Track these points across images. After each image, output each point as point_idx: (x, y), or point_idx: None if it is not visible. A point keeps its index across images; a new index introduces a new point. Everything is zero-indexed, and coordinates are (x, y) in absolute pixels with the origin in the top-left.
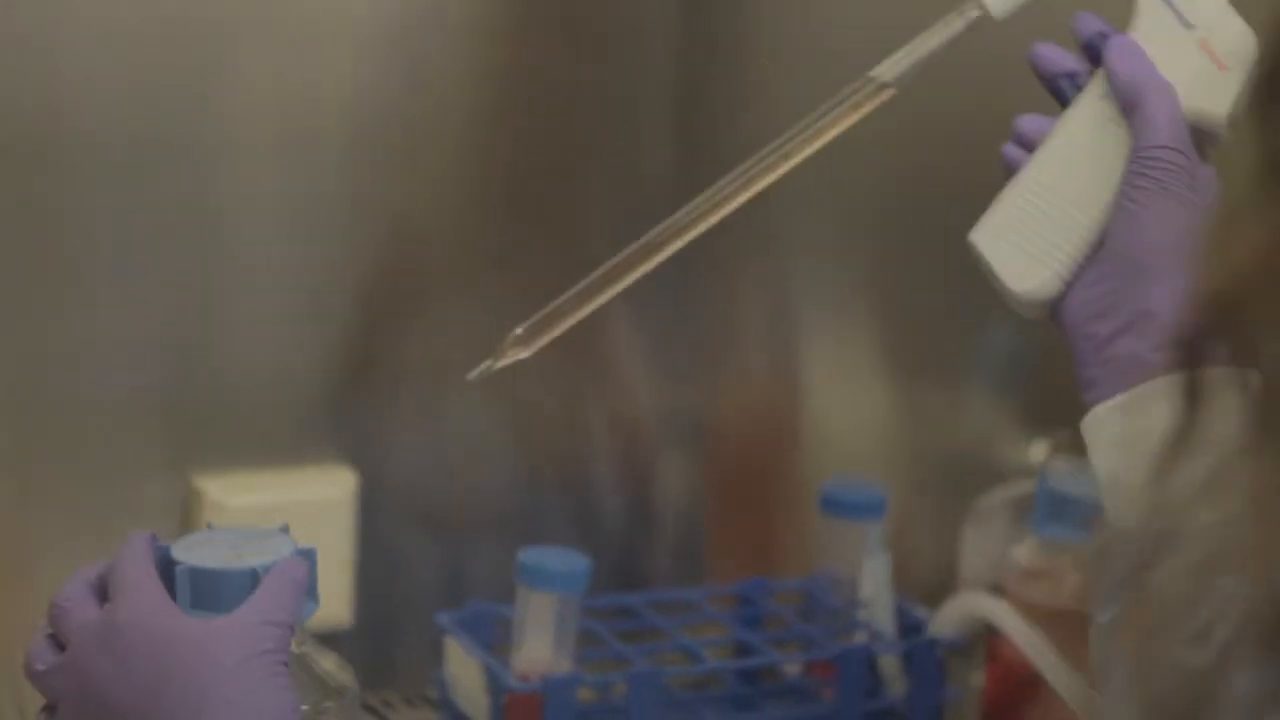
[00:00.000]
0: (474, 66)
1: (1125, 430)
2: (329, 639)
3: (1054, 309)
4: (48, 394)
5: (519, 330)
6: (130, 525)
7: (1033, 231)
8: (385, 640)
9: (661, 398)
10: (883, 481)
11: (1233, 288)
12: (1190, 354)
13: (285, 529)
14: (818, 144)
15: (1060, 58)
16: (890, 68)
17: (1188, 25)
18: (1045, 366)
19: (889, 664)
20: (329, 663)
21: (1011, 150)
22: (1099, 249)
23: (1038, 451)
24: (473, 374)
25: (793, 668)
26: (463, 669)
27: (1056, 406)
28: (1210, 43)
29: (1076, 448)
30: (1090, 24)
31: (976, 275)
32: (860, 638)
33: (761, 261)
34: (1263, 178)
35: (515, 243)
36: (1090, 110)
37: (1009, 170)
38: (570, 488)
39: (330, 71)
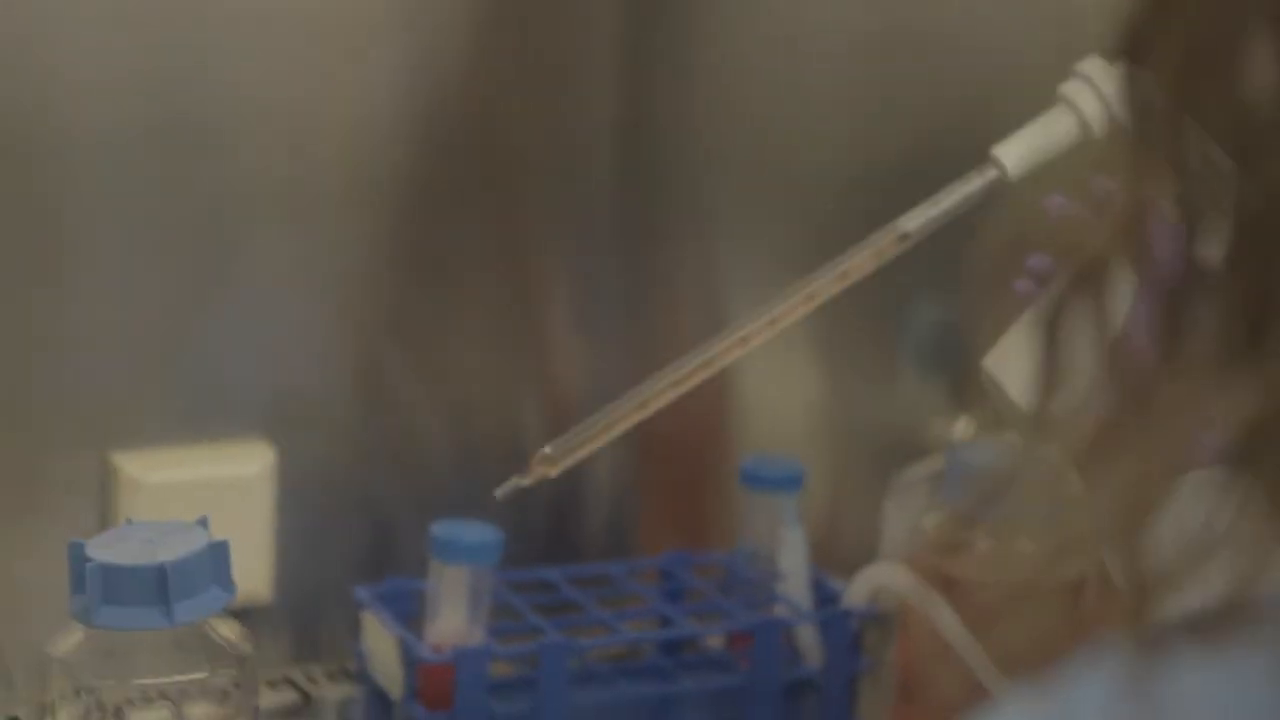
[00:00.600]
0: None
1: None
2: (248, 615)
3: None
4: None
5: (547, 449)
6: (48, 502)
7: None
8: (307, 616)
9: (592, 374)
10: (810, 457)
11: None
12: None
13: (204, 522)
14: (841, 285)
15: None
16: (911, 220)
17: None
18: (973, 345)
19: (805, 635)
20: (229, 631)
21: (1022, 285)
22: None
23: (963, 428)
24: (500, 491)
25: (715, 641)
26: (379, 642)
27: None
28: None
29: (999, 424)
30: (1042, 261)
31: (905, 256)
32: (779, 610)
33: (692, 241)
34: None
35: (440, 237)
36: None
37: (1020, 304)
38: (499, 464)
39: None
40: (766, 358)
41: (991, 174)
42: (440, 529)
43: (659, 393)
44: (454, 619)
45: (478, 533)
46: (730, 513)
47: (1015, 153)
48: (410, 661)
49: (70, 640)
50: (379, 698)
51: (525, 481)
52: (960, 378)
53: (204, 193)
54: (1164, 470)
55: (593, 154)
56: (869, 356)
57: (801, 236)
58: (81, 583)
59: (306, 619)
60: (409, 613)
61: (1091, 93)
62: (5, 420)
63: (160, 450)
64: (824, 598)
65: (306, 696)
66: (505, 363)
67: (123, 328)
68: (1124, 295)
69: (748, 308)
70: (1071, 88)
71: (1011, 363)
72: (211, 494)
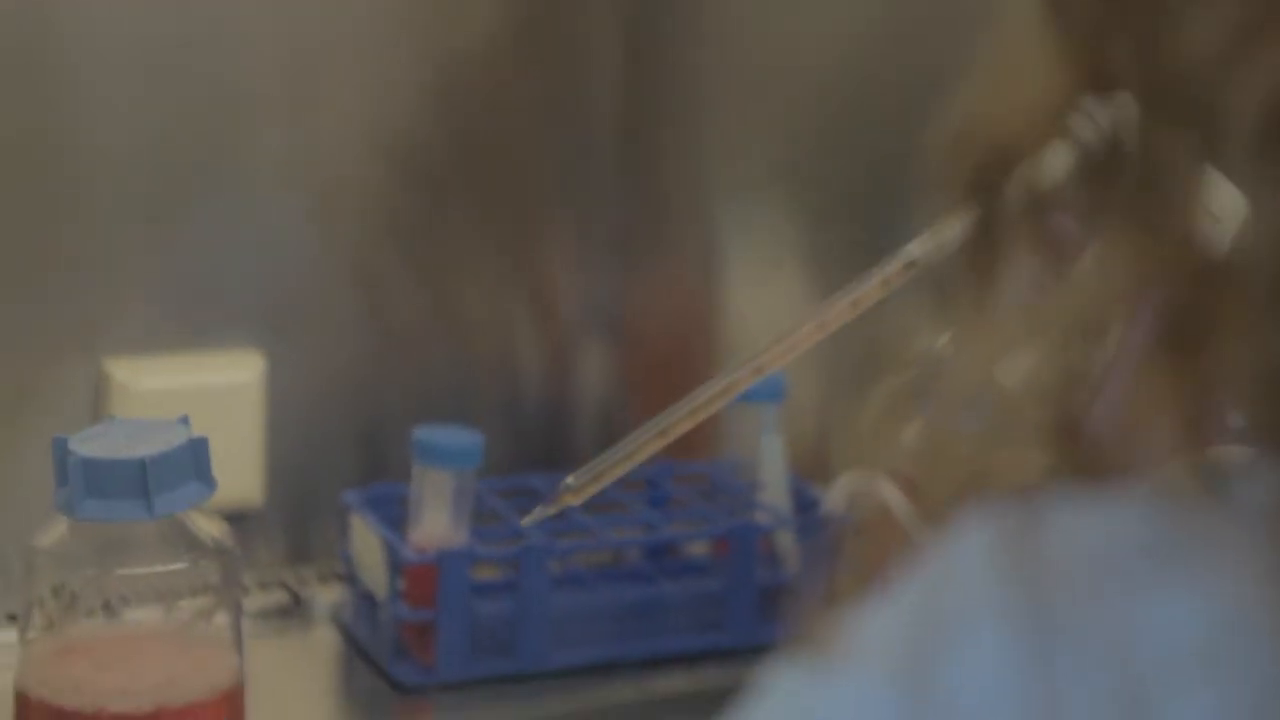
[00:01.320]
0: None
1: None
2: (240, 519)
3: None
4: None
5: (570, 480)
6: (41, 408)
7: None
8: (298, 520)
9: (583, 289)
10: (792, 368)
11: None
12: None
13: (185, 420)
14: (854, 314)
15: None
16: (918, 246)
17: None
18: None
19: (783, 541)
20: (213, 527)
21: None
22: None
23: (945, 342)
24: (528, 520)
25: (698, 548)
26: (365, 545)
27: None
28: None
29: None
30: None
31: (894, 172)
32: (758, 517)
33: (685, 158)
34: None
35: (439, 148)
36: None
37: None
38: (491, 374)
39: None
40: (751, 267)
41: (910, 271)
42: (423, 433)
43: (678, 421)
44: (437, 522)
45: (460, 437)
46: (713, 423)
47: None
48: (395, 563)
49: (54, 533)
50: (366, 599)
51: (551, 510)
52: (945, 293)
53: (198, 91)
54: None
55: (594, 79)
56: (855, 272)
57: (787, 137)
58: (65, 476)
59: (297, 523)
60: (396, 517)
61: (1091, 123)
62: (1, 323)
63: (152, 357)
64: (803, 505)
65: (297, 598)
66: (499, 277)
67: (111, 233)
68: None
69: (739, 238)
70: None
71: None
72: (203, 401)
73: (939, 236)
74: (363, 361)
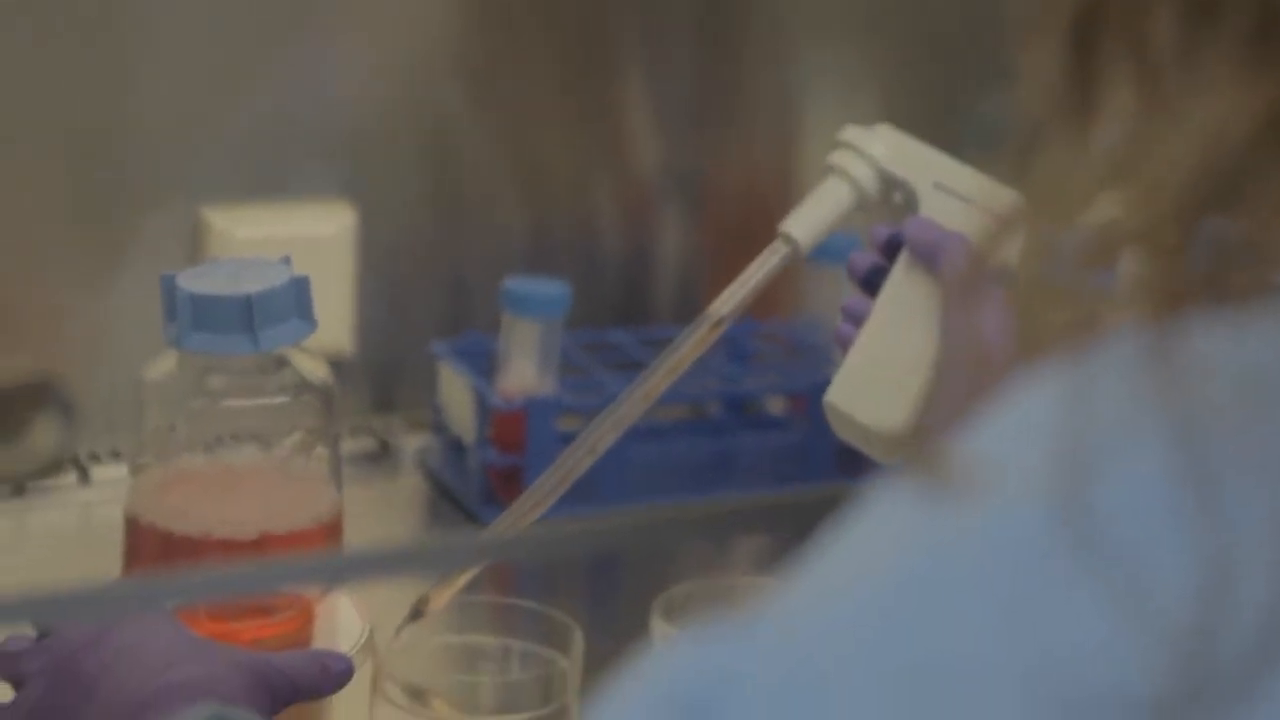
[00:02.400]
0: None
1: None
2: (331, 368)
3: (917, 438)
4: (69, 119)
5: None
6: (141, 254)
7: (878, 381)
8: (387, 370)
9: (662, 145)
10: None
11: None
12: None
13: (287, 260)
14: (672, 378)
15: (865, 257)
16: (724, 304)
17: (965, 200)
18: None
19: None
20: (313, 364)
21: (843, 328)
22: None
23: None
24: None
25: (777, 405)
26: (454, 393)
27: None
28: (990, 207)
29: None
30: (882, 231)
31: (981, 19)
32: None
33: (766, 22)
34: None
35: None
36: (902, 279)
37: (844, 345)
38: (573, 231)
39: None
40: (830, 124)
41: (785, 250)
42: (512, 283)
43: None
44: (524, 370)
45: (548, 287)
46: (794, 283)
47: (803, 226)
48: (484, 410)
49: (162, 367)
50: (454, 445)
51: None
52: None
53: None
54: (1197, 159)
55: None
56: (932, 119)
57: (877, 17)
58: (173, 311)
59: (386, 373)
60: (484, 367)
61: (859, 158)
62: (101, 175)
63: (249, 207)
64: None
65: (385, 445)
66: (577, 133)
67: (194, 89)
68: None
69: (817, 94)
70: (840, 157)
71: (854, 393)
72: (296, 250)
73: (740, 291)
74: (446, 216)
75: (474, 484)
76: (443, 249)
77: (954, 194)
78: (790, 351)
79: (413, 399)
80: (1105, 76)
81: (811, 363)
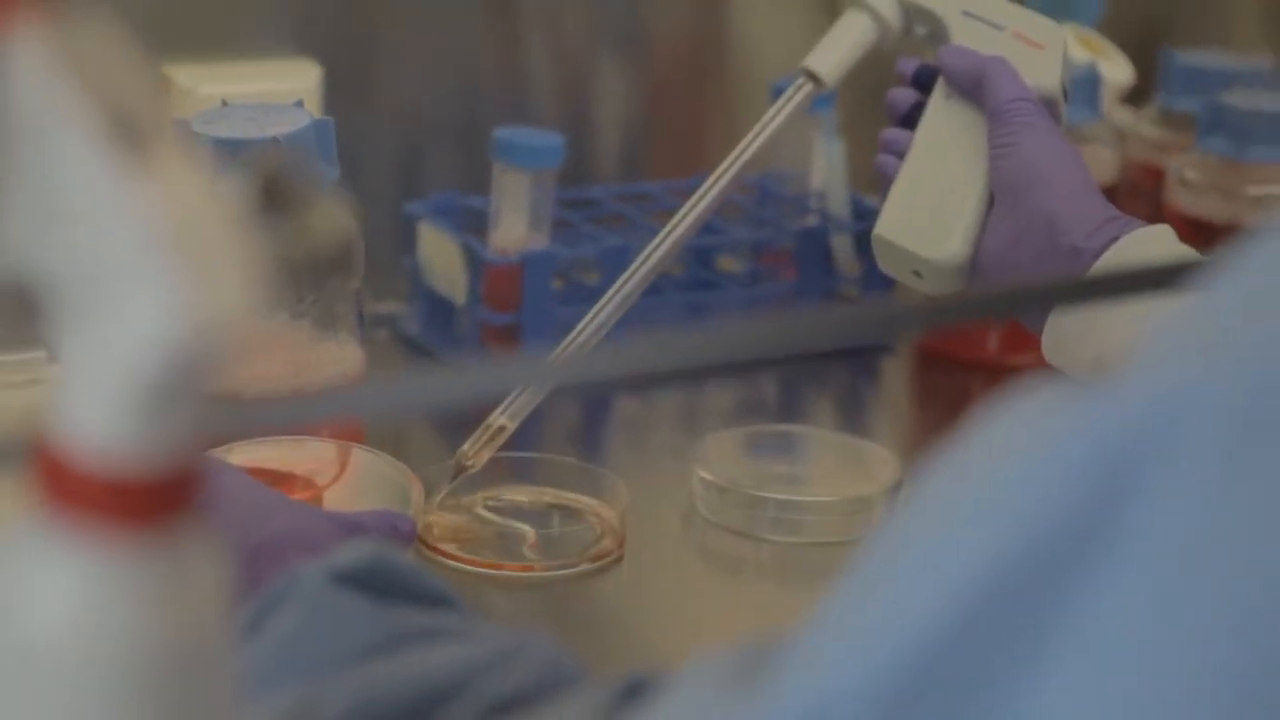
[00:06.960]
0: None
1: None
2: None
3: (973, 266)
4: None
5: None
6: None
7: (928, 212)
8: None
9: (597, 4)
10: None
11: None
12: None
13: (301, 104)
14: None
15: (905, 94)
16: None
17: (997, 27)
18: None
19: (842, 246)
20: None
21: (883, 159)
22: (991, 203)
23: None
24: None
25: (743, 260)
26: (438, 251)
27: None
28: (1022, 33)
29: None
30: (909, 63)
31: None
32: (811, 222)
33: None
34: None
35: None
36: (942, 108)
37: (886, 179)
38: (510, 92)
39: None
40: None
41: (808, 87)
42: (503, 133)
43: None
44: (517, 224)
45: (539, 137)
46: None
47: (826, 61)
48: (476, 265)
49: None
50: (439, 307)
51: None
52: None
53: None
54: None
55: None
56: None
57: None
58: None
59: None
60: (461, 225)
61: None
62: None
63: (211, 64)
64: (859, 212)
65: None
66: None
67: None
68: None
69: None
70: None
71: (903, 226)
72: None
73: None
74: (411, 70)
75: (467, 343)
76: (404, 109)
77: (984, 20)
78: (763, 203)
79: (380, 265)
80: None
81: (787, 213)
